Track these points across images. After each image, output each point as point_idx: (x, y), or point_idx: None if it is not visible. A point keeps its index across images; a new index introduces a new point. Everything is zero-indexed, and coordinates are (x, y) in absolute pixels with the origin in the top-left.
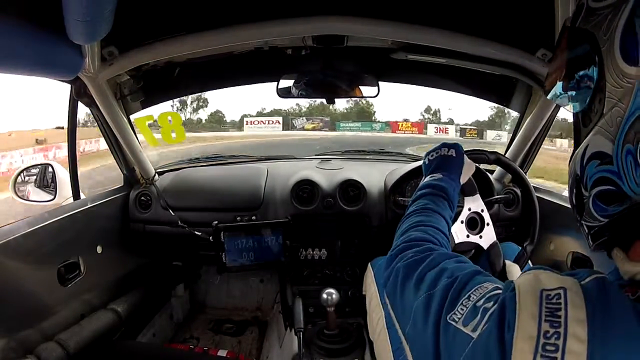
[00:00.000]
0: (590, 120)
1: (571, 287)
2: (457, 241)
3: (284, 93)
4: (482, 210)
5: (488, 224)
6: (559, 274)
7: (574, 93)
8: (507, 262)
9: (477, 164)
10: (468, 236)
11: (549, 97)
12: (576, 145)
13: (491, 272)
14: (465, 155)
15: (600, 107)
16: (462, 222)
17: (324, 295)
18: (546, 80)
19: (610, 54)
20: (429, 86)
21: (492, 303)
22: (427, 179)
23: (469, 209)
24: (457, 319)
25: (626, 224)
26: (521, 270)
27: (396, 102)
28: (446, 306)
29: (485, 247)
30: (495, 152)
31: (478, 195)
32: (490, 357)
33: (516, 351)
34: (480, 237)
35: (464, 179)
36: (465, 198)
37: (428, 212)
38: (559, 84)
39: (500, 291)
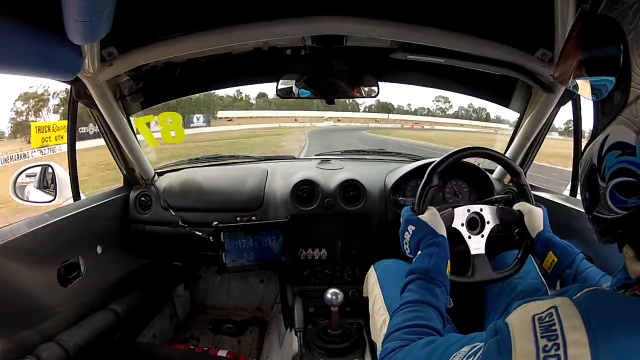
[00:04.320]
0: (611, 109)
1: (561, 304)
2: (483, 252)
3: (283, 93)
4: (468, 210)
5: (482, 209)
6: (549, 297)
7: (595, 80)
8: (520, 207)
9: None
10: (482, 236)
11: (564, 85)
12: (593, 134)
13: (514, 226)
14: (421, 212)
15: (623, 96)
16: (469, 237)
17: (329, 295)
18: (558, 65)
19: (637, 43)
20: (428, 86)
21: (473, 357)
22: (413, 262)
23: (462, 224)
24: None
25: None
26: (532, 204)
27: None
28: None
29: (498, 222)
30: (430, 172)
31: (455, 209)
32: None
33: None
34: (488, 222)
35: (439, 226)
36: (452, 225)
37: (408, 308)
38: (575, 71)
39: (480, 344)
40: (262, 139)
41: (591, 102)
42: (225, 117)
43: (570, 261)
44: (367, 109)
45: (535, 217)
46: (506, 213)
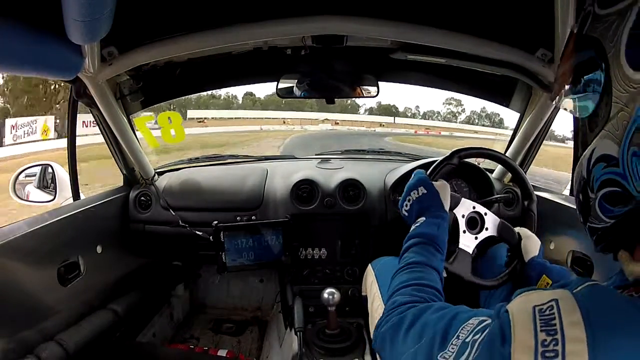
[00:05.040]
0: (596, 125)
1: (562, 297)
2: (470, 251)
3: (284, 93)
4: (474, 207)
5: (486, 214)
6: (551, 289)
7: (581, 98)
8: (521, 232)
9: (460, 171)
10: (476, 238)
11: (555, 103)
12: (582, 150)
13: (510, 247)
14: (433, 180)
15: (606, 111)
16: (464, 231)
17: (325, 295)
18: (553, 85)
19: (616, 60)
20: (428, 86)
21: (480, 334)
22: (412, 228)
23: (463, 216)
24: (447, 356)
25: (630, 225)
26: (533, 232)
27: None
28: (436, 349)
29: (495, 234)
30: (453, 152)
31: (463, 199)
32: None
33: None
34: (486, 229)
35: (446, 203)
36: (454, 211)
37: (414, 267)
38: (566, 90)
39: (488, 321)
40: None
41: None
42: (197, 118)
43: (566, 283)
44: (367, 111)
45: (533, 243)
46: (506, 230)
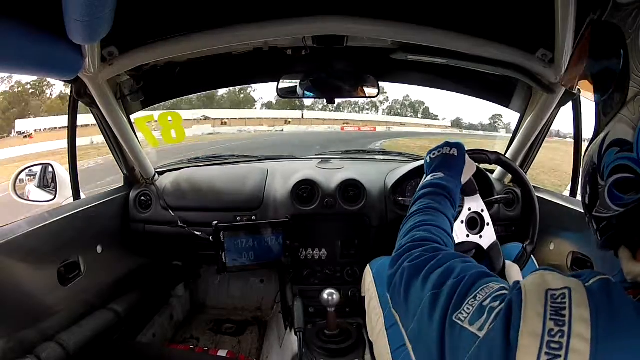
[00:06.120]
0: (611, 109)
1: (576, 287)
2: (457, 241)
3: (284, 93)
4: (482, 210)
5: (488, 224)
6: (565, 275)
7: (596, 82)
8: (507, 262)
9: (477, 164)
10: (468, 236)
11: (570, 88)
12: (594, 135)
13: (491, 271)
14: (466, 155)
15: (622, 96)
16: (462, 222)
17: (325, 296)
18: (567, 70)
19: (635, 46)
20: (428, 86)
21: (498, 302)
22: (429, 177)
23: (469, 209)
24: (463, 318)
25: (638, 217)
26: (521, 270)
27: None
28: (452, 305)
29: (485, 247)
30: (497, 153)
31: (478, 196)
32: (495, 354)
33: (521, 348)
34: (480, 236)
35: (464, 179)
36: (465, 198)
37: (431, 212)
38: (581, 74)
39: (506, 291)
40: None
41: (592, 103)
42: (24, 132)
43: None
44: (265, 106)
45: (515, 270)
46: (496, 252)
